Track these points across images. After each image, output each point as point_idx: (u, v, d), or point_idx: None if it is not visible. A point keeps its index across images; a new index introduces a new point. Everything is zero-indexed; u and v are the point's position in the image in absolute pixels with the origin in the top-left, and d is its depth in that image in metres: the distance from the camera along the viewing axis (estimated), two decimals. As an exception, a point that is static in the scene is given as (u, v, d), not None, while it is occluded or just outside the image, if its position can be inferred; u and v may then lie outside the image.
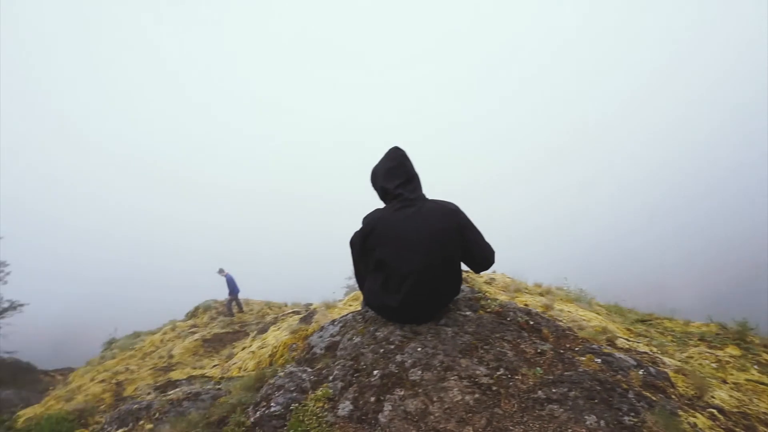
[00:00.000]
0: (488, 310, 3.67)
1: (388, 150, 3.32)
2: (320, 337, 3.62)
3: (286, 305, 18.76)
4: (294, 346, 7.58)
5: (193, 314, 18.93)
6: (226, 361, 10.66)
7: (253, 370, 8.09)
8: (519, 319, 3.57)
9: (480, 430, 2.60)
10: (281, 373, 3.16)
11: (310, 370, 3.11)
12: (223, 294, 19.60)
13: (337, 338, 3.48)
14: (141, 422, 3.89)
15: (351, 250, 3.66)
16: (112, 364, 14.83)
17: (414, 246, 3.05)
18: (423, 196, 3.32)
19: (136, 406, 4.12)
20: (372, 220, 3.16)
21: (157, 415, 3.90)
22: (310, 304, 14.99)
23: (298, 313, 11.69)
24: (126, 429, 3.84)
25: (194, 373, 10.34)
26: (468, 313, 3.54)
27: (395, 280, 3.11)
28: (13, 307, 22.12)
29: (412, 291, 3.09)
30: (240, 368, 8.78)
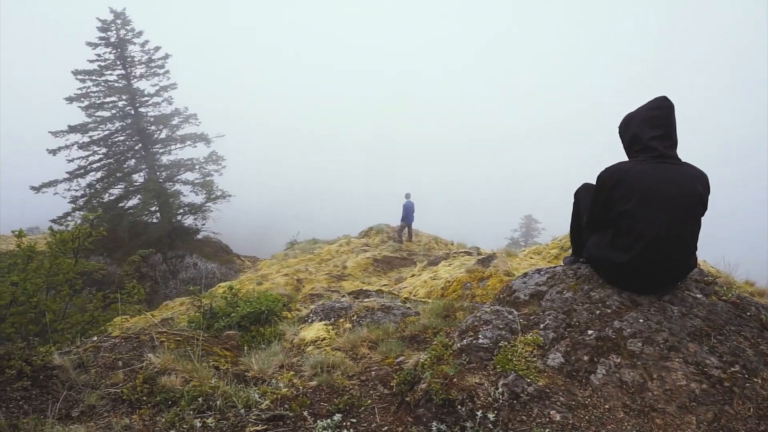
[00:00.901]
0: (723, 297, 3.27)
1: (653, 98, 3.00)
2: (524, 283, 3.61)
3: (452, 243, 19.17)
4: (469, 285, 7.76)
5: (366, 233, 20.47)
6: (395, 283, 11.40)
7: (424, 298, 8.56)
8: (763, 317, 3.12)
9: (705, 423, 2.40)
10: (487, 309, 3.24)
11: (516, 312, 3.13)
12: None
13: (543, 288, 3.43)
14: (341, 320, 4.39)
15: (575, 200, 3.50)
16: (293, 263, 16.96)
17: (663, 206, 2.78)
18: (677, 156, 2.99)
19: (338, 305, 4.65)
20: (616, 171, 2.93)
21: (355, 317, 4.36)
22: (477, 248, 15.10)
23: (469, 254, 11.85)
24: (328, 322, 4.38)
25: (364, 287, 11.32)
26: (699, 295, 3.20)
27: (628, 239, 2.90)
28: (224, 196, 26.11)
29: (644, 253, 2.86)
30: (410, 293, 9.34)
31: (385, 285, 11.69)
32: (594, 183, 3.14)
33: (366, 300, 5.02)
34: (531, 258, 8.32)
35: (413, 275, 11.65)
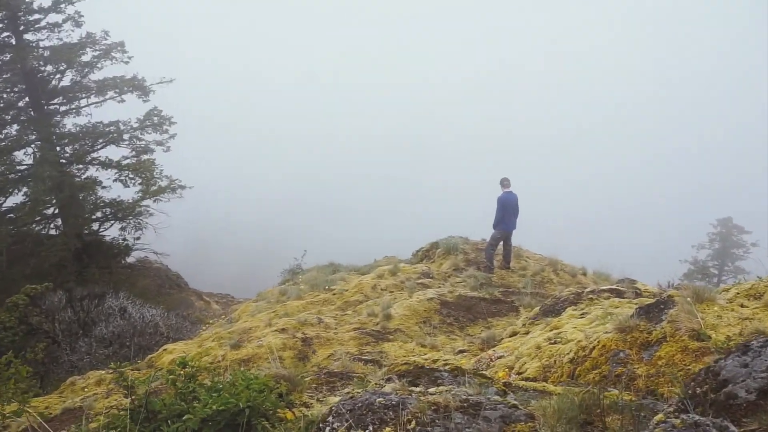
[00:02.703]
0: None
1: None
2: (745, 365, 3.35)
3: (584, 273, 18.78)
4: (623, 354, 7.49)
5: (426, 255, 20.30)
6: (482, 349, 11.16)
7: (537, 380, 8.30)
8: None
9: None
10: (675, 421, 3.02)
11: (734, 429, 2.88)
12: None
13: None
14: (386, 429, 4.21)
15: None
16: (296, 307, 17.01)
17: None
18: None
19: (379, 400, 4.49)
20: None
21: (413, 424, 4.18)
22: (632, 281, 14.70)
23: (619, 294, 11.51)
24: (364, 434, 4.20)
25: (426, 358, 11.12)
26: None
27: None
28: (173, 188, 26.65)
29: None
30: (511, 369, 9.11)
31: (462, 352, 11.45)
32: None
33: (432, 390, 4.83)
34: (743, 306, 7.87)
35: (515, 334, 11.37)
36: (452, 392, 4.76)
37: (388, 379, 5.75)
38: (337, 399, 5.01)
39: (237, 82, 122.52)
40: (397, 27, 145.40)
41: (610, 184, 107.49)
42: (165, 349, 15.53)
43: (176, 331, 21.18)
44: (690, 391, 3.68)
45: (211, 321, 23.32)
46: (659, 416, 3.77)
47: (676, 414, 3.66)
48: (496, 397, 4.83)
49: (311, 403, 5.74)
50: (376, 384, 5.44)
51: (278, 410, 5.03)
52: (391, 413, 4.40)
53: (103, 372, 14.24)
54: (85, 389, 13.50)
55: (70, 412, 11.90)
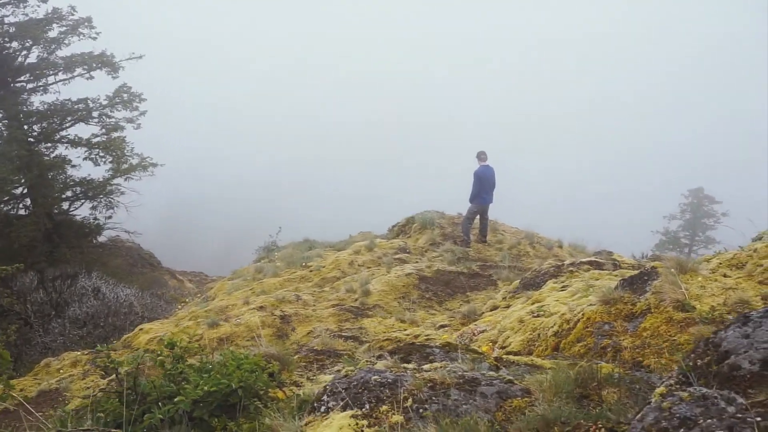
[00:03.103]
0: None
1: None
2: (746, 336, 3.36)
3: (560, 245, 18.87)
4: (608, 327, 7.52)
5: (401, 230, 20.29)
6: (463, 324, 11.18)
7: (523, 353, 8.33)
8: None
9: None
10: (682, 394, 3.01)
11: (742, 401, 2.88)
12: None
13: (790, 350, 3.18)
14: (383, 407, 4.20)
15: None
16: (273, 284, 16.97)
17: None
18: None
19: (374, 378, 4.47)
20: None
21: (410, 401, 4.16)
22: (609, 253, 14.80)
23: (599, 265, 11.58)
24: (360, 413, 4.19)
25: (408, 332, 11.12)
26: None
27: None
28: (144, 166, 26.42)
29: None
30: (495, 343, 9.13)
31: (443, 327, 11.47)
32: None
33: (427, 367, 4.82)
34: (726, 276, 7.91)
35: (496, 308, 11.40)
36: (447, 368, 4.76)
37: (379, 357, 5.74)
38: (329, 377, 5.00)
39: (216, 61, 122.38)
40: (380, 16, 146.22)
41: (588, 166, 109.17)
42: (141, 329, 15.37)
43: (151, 311, 21.08)
44: (691, 363, 3.68)
45: (186, 300, 23.22)
46: (660, 389, 3.77)
47: (679, 386, 3.67)
48: (491, 373, 4.84)
49: (301, 382, 5.72)
50: (367, 361, 5.42)
51: (272, 391, 5.01)
52: (387, 391, 4.39)
53: (79, 353, 14.11)
54: (61, 371, 13.35)
55: (46, 394, 11.79)
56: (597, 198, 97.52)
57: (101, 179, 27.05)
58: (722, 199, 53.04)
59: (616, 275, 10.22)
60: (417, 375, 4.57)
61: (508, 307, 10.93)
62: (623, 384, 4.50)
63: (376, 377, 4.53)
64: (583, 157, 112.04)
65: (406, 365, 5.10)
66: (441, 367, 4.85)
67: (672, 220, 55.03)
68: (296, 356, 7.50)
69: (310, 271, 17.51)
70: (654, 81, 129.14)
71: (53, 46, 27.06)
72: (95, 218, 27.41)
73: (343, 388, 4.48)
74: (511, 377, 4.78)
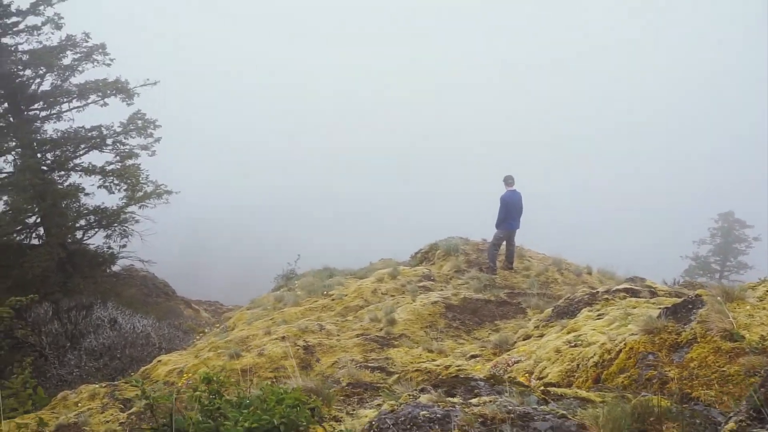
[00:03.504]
0: None
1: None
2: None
3: (589, 272, 18.65)
4: (652, 357, 7.33)
5: (425, 257, 20.10)
6: (494, 353, 10.97)
7: (557, 381, 8.12)
8: None
9: None
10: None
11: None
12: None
13: None
14: (434, 444, 4.01)
15: None
16: (293, 314, 16.79)
17: None
18: None
19: (422, 413, 4.28)
20: None
21: (463, 439, 3.98)
22: (642, 280, 14.57)
23: (634, 293, 11.34)
24: (411, 451, 3.99)
25: (441, 361, 10.92)
26: None
27: None
28: (159, 193, 26.36)
29: None
30: (531, 374, 8.91)
31: (474, 357, 11.27)
32: None
33: (475, 401, 4.63)
34: (772, 303, 7.71)
35: (529, 337, 11.21)
36: (496, 402, 4.59)
37: (422, 390, 5.56)
38: (370, 412, 4.82)
39: (231, 89, 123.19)
40: (389, 41, 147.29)
41: (610, 187, 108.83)
42: (159, 361, 15.25)
43: (169, 342, 20.87)
44: (762, 397, 3.49)
45: (204, 330, 23.03)
46: (730, 425, 3.58)
47: (750, 422, 3.46)
48: (542, 407, 4.66)
49: (341, 417, 5.54)
50: (409, 395, 5.22)
51: (310, 426, 4.83)
52: (437, 427, 4.24)
53: (96, 386, 13.94)
54: (79, 404, 13.17)
55: (65, 429, 11.61)
56: (621, 221, 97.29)
57: (115, 207, 27.01)
58: (753, 223, 52.65)
59: (654, 303, 10.02)
60: (467, 410, 4.38)
61: (541, 336, 10.75)
62: (683, 419, 4.30)
63: (424, 412, 4.36)
64: (602, 178, 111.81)
65: (451, 399, 4.93)
66: (490, 401, 4.67)
67: (702, 244, 54.71)
68: (334, 390, 7.34)
69: (332, 299, 17.35)
70: (673, 99, 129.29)
71: (67, 74, 27.14)
72: (109, 247, 27.37)
73: (391, 424, 4.30)
74: (563, 411, 4.58)
